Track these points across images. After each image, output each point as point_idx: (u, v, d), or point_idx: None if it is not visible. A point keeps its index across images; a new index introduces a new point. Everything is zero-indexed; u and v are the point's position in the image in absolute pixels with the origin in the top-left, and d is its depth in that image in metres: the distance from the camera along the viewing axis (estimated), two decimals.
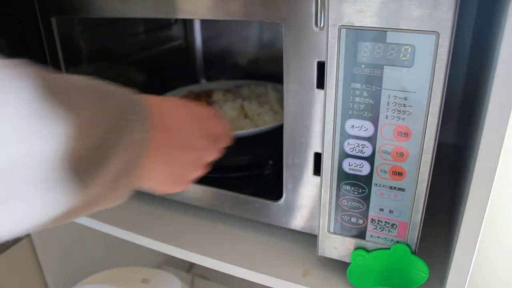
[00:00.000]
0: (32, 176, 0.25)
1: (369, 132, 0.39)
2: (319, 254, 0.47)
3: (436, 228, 0.52)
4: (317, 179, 0.46)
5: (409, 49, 0.34)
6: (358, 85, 0.37)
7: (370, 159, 0.40)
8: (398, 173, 0.39)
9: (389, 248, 0.43)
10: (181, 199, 0.58)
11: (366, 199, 0.42)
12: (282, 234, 0.54)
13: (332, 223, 0.44)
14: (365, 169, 0.40)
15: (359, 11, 0.35)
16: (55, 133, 0.26)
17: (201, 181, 0.54)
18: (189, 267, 1.03)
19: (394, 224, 0.41)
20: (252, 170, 0.61)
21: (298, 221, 0.50)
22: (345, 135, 0.40)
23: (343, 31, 0.36)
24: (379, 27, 0.35)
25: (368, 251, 0.44)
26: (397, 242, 0.42)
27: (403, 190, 0.40)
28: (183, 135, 0.38)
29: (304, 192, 0.47)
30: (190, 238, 0.55)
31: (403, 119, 0.37)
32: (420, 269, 0.42)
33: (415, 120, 0.37)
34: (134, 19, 0.72)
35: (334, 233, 0.45)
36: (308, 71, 0.42)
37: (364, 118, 0.38)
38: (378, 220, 0.42)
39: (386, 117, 0.37)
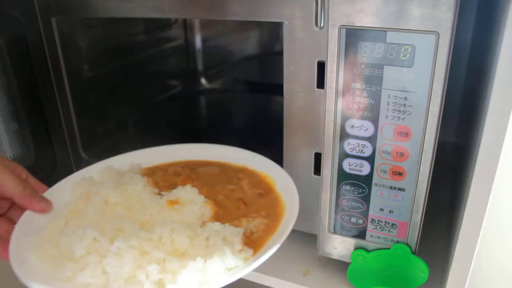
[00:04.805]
0: None
1: (369, 132, 0.39)
2: (319, 254, 0.47)
3: (436, 228, 0.52)
4: (317, 179, 0.45)
5: (409, 49, 0.34)
6: (358, 85, 0.37)
7: (370, 159, 0.40)
8: (398, 173, 0.39)
9: (389, 248, 0.43)
10: None
11: (366, 199, 0.42)
12: None
13: (332, 223, 0.44)
14: (365, 169, 0.40)
15: (359, 11, 0.35)
16: None
17: None
18: None
19: (394, 224, 0.41)
20: None
21: (298, 221, 0.50)
22: (345, 135, 0.40)
23: (343, 31, 0.36)
24: (379, 27, 0.35)
25: (368, 251, 0.44)
26: (397, 242, 0.42)
27: (403, 190, 0.40)
28: None
29: (304, 192, 0.47)
30: None
31: (403, 119, 0.37)
32: (420, 269, 0.42)
33: (415, 120, 0.37)
34: (134, 19, 0.72)
35: (334, 233, 0.45)
36: (308, 71, 0.42)
37: (364, 118, 0.38)
38: (378, 220, 0.42)
39: (386, 117, 0.37)
